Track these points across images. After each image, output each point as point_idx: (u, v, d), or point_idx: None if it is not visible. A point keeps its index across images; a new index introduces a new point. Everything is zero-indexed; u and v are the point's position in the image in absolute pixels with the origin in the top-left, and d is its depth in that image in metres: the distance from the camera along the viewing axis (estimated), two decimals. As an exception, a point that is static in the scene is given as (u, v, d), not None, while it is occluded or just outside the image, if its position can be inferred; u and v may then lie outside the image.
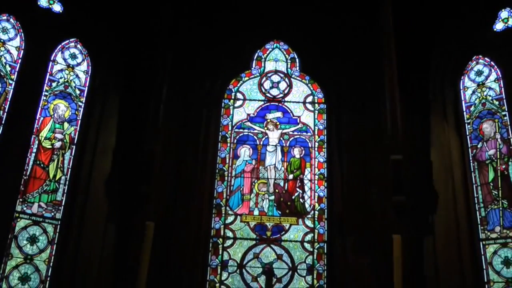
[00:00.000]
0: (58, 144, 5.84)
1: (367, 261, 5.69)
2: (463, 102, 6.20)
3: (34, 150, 5.72)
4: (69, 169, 5.83)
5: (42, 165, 5.71)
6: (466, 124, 6.03)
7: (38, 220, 5.53)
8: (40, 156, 5.73)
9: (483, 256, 5.46)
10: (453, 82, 6.28)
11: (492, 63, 6.22)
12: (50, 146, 5.80)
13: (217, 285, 5.89)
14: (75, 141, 5.93)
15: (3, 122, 5.53)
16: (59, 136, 5.86)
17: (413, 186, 5.74)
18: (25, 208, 5.50)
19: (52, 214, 5.61)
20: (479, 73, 6.26)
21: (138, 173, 5.64)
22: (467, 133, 5.98)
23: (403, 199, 5.52)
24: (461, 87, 6.27)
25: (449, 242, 5.53)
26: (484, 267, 5.42)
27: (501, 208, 5.51)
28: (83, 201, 5.66)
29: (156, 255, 5.39)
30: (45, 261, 5.42)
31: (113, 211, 5.71)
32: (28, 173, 5.60)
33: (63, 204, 5.68)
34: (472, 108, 6.10)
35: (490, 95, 6.08)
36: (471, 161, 5.82)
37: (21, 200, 5.49)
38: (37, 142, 5.75)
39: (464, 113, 6.12)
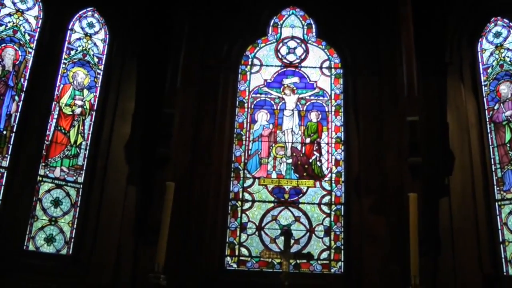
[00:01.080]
0: (78, 111, 5.97)
1: (384, 222, 5.79)
2: (480, 64, 6.22)
3: (55, 116, 5.85)
4: (90, 134, 5.95)
5: (63, 130, 5.85)
6: (483, 86, 6.05)
7: (60, 183, 5.70)
8: (61, 122, 5.87)
9: (498, 217, 5.52)
10: (470, 44, 6.28)
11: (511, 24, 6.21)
12: (70, 113, 5.94)
13: (236, 246, 6.06)
14: (95, 107, 6.06)
15: (24, 89, 5.63)
16: (79, 102, 5.99)
17: (429, 148, 5.83)
18: (48, 172, 5.66)
19: (74, 178, 5.78)
20: (498, 34, 6.26)
21: (157, 137, 5.77)
22: (484, 95, 6.01)
23: (419, 160, 5.59)
24: (479, 49, 6.27)
25: (465, 203, 5.60)
26: (499, 227, 5.48)
27: (517, 169, 5.54)
28: (104, 165, 5.81)
29: (177, 218, 5.52)
30: (68, 223, 5.61)
31: (133, 174, 5.86)
32: (49, 138, 5.73)
33: (84, 168, 5.83)
34: (489, 70, 6.11)
35: (508, 57, 6.09)
36: (487, 122, 5.86)
37: (43, 164, 5.63)
38: (57, 108, 5.88)
39: (481, 75, 6.14)
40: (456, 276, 5.43)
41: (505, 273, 5.33)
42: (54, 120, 5.83)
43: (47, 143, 5.71)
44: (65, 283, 5.23)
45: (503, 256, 5.38)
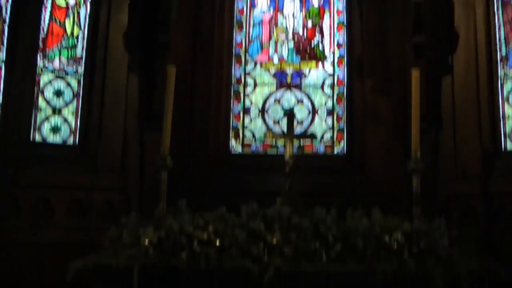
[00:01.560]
0: (72, 1, 5.81)
1: (386, 101, 5.86)
2: None
3: (49, 8, 5.70)
4: (86, 25, 5.84)
5: (58, 22, 5.73)
6: (490, -39, 5.86)
7: (61, 75, 5.67)
8: (56, 13, 5.74)
9: (500, 93, 5.53)
10: None
11: None
12: (64, 4, 5.78)
13: (240, 130, 6.17)
14: (89, -4, 5.89)
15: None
16: (71, -8, 5.84)
17: (433, 27, 5.77)
18: (47, 63, 5.61)
19: (74, 69, 5.74)
20: None
21: (156, 24, 5.69)
22: (491, -29, 5.84)
23: (423, 39, 5.55)
24: None
25: (468, 81, 5.59)
26: (501, 104, 5.52)
27: (522, 46, 5.50)
28: (103, 55, 5.75)
29: (181, 105, 5.56)
30: (72, 113, 5.65)
31: (133, 62, 5.83)
32: (45, 30, 5.63)
33: (83, 59, 5.78)
34: None
35: None
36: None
37: (41, 55, 5.57)
38: (50, 0, 5.71)
39: (488, -51, 5.92)
40: (457, 151, 5.54)
41: (503, 148, 5.44)
42: (48, 12, 5.69)
43: (43, 35, 5.59)
44: (75, 171, 5.34)
45: (502, 131, 5.46)
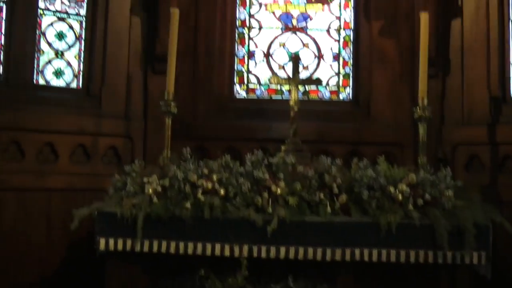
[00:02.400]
0: None
1: (393, 45, 5.71)
2: None
3: None
4: (88, -36, 5.66)
5: (58, -38, 5.55)
6: None
7: (63, 16, 5.53)
8: (55, -47, 5.54)
9: (510, 37, 5.38)
10: None
11: None
12: None
13: (245, 74, 6.04)
14: None
15: None
16: None
17: (443, -33, 5.58)
18: (48, 5, 5.46)
19: (76, 10, 5.59)
20: None
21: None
22: None
23: (432, -20, 5.39)
24: None
25: (478, 23, 5.42)
26: (511, 48, 5.37)
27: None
28: (107, -4, 5.58)
29: (185, 47, 5.53)
30: (75, 56, 5.54)
31: (136, 3, 5.68)
32: (45, -30, 5.46)
33: (85, 1, 5.61)
34: None
35: None
36: None
37: (43, -4, 5.43)
38: None
39: None
40: (464, 97, 5.44)
41: (512, 93, 5.33)
42: (47, -49, 5.50)
43: (43, -26, 5.43)
44: (79, 114, 5.28)
45: (511, 76, 5.34)
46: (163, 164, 4.33)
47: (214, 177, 4.04)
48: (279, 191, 4.01)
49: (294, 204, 3.99)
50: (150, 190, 3.98)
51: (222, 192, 4.01)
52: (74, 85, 5.52)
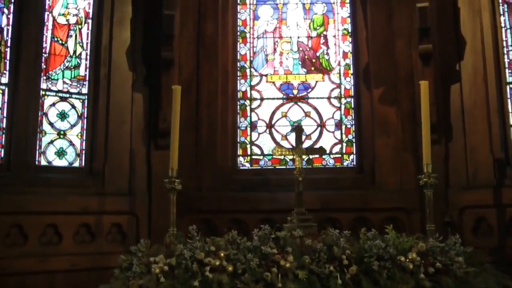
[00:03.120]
0: (73, 19, 5.77)
1: (395, 111, 5.80)
2: None
3: (50, 27, 5.64)
4: (88, 43, 5.79)
5: (60, 41, 5.68)
6: (496, -34, 5.77)
7: (64, 96, 5.62)
8: (57, 33, 5.68)
9: (509, 100, 5.47)
10: None
11: None
12: (65, 22, 5.73)
13: (248, 146, 6.09)
14: (90, 15, 5.84)
15: (12, 0, 5.40)
16: (73, 11, 5.78)
17: (440, 34, 5.70)
18: (50, 86, 5.56)
19: (78, 89, 5.68)
20: None
21: (159, 40, 5.63)
22: (497, -24, 5.75)
23: (430, 47, 5.48)
24: None
25: (476, 87, 5.53)
26: (510, 110, 5.45)
27: (529, 50, 5.44)
28: (107, 74, 5.68)
29: (187, 122, 5.61)
30: (78, 135, 5.60)
31: (138, 80, 5.79)
32: (47, 50, 5.57)
33: (87, 78, 5.72)
34: None
35: None
36: (500, 4, 5.64)
37: (44, 78, 5.52)
38: (51, 19, 5.66)
39: (494, -47, 5.83)
40: (468, 161, 5.49)
41: (514, 155, 5.36)
42: (49, 31, 5.62)
43: (45, 55, 5.54)
44: (83, 194, 5.28)
45: (513, 139, 5.38)
46: (169, 242, 4.29)
47: (222, 253, 3.99)
48: (288, 265, 3.95)
49: (303, 277, 3.92)
50: (157, 270, 3.91)
51: (230, 268, 3.93)
52: (76, 164, 5.55)
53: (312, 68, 6.21)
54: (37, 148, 5.35)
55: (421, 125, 4.69)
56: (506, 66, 5.53)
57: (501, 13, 5.62)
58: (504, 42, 5.57)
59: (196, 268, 3.92)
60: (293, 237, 4.21)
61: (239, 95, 6.16)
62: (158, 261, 3.98)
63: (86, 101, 5.68)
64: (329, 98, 6.14)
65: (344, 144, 6.05)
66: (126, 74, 5.75)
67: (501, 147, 5.37)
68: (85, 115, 5.65)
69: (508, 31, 5.58)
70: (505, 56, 5.56)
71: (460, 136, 5.58)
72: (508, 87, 5.50)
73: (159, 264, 3.96)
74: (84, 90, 5.70)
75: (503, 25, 5.60)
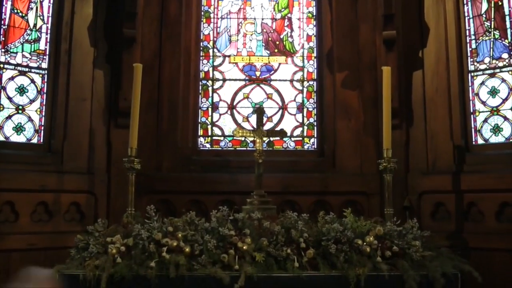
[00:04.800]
0: (34, -8, 5.60)
1: (357, 96, 5.80)
2: None
3: (10, -1, 5.48)
4: (49, 17, 5.63)
5: (20, 13, 5.50)
6: (459, -47, 5.79)
7: (24, 70, 5.45)
8: (17, 4, 5.49)
9: (470, 88, 5.51)
10: None
11: None
12: (26, -5, 5.57)
13: (209, 126, 6.05)
14: (52, -12, 5.67)
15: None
16: (34, -16, 5.61)
17: (404, 20, 5.73)
18: (9, 59, 5.40)
19: (38, 64, 5.52)
20: None
21: (122, 17, 5.51)
22: (461, -37, 5.77)
23: (394, 33, 5.49)
24: None
25: (438, 75, 5.57)
26: (471, 98, 5.49)
27: (492, 39, 5.46)
28: (68, 49, 5.54)
29: (148, 100, 5.58)
30: (37, 111, 5.45)
31: (99, 57, 5.66)
32: (6, 22, 5.40)
33: (47, 53, 5.56)
34: None
35: None
36: (464, -8, 5.67)
37: (3, 50, 5.36)
38: (11, -10, 5.49)
39: None
40: (428, 146, 5.54)
41: (474, 142, 5.43)
42: (9, 2, 5.43)
43: (4, 27, 5.37)
44: (41, 171, 5.15)
45: (473, 126, 5.44)
46: (127, 222, 4.25)
47: (179, 234, 3.99)
48: (245, 247, 3.97)
49: (261, 260, 3.95)
50: (114, 250, 3.89)
51: (187, 249, 3.95)
52: (35, 140, 5.41)
53: (276, 50, 6.17)
54: (-5, 123, 5.21)
55: (381, 110, 4.72)
56: (469, 54, 5.57)
57: (465, 2, 5.64)
58: (467, 31, 5.60)
59: (153, 248, 3.92)
60: (251, 219, 4.23)
61: (202, 75, 6.09)
62: (115, 241, 3.98)
63: (46, 76, 5.53)
64: (291, 80, 6.12)
65: (305, 127, 6.05)
66: (88, 50, 5.61)
67: (461, 134, 5.42)
68: (45, 91, 5.50)
69: (471, 20, 5.60)
70: (468, 45, 5.59)
71: (421, 122, 5.61)
72: (469, 75, 5.54)
73: (116, 245, 3.96)
74: (44, 65, 5.54)
75: (466, 14, 5.63)
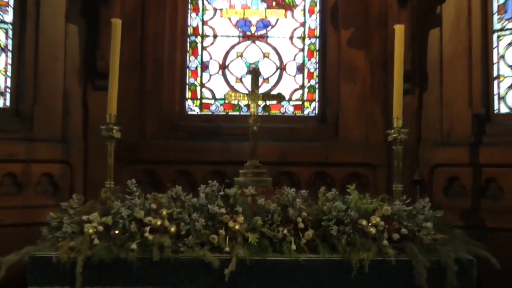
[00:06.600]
0: None
1: (364, 56, 5.77)
2: None
3: None
4: (14, -38, 5.52)
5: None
6: None
7: (-15, 24, 5.39)
8: None
9: (495, 49, 5.42)
10: None
11: None
12: None
13: (198, 88, 6.03)
14: None
15: None
16: None
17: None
18: (-31, 11, 5.33)
19: (0, 17, 5.42)
20: None
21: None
22: None
23: (407, -16, 5.45)
24: None
25: (458, 34, 5.46)
26: (495, 61, 5.42)
27: (524, -6, 5.38)
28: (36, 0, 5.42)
29: (130, 60, 5.55)
30: (1, 71, 5.36)
31: (73, 10, 5.57)
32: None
33: (11, 4, 5.43)
34: None
35: None
36: None
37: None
38: None
39: None
40: (443, 115, 5.50)
41: (496, 111, 5.39)
42: None
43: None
44: (8, 139, 5.09)
45: (496, 92, 5.39)
46: (105, 198, 4.23)
47: (164, 212, 3.97)
48: (237, 227, 3.95)
49: (254, 241, 3.92)
50: (91, 230, 3.88)
51: (172, 229, 3.92)
52: (0, 104, 5.34)
53: (274, 3, 6.09)
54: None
55: (392, 72, 4.62)
56: (495, 11, 5.45)
57: (491, -50, 5.50)
58: (494, -17, 5.49)
59: (135, 228, 3.90)
60: (245, 195, 4.21)
61: (190, 31, 6.03)
62: (92, 219, 3.96)
63: (10, 31, 5.42)
64: (291, 38, 6.08)
65: (306, 90, 6.04)
66: (59, 2, 5.50)
67: (482, 101, 5.37)
68: (10, 48, 5.41)
69: (499, -30, 5.49)
70: (494, 1, 5.46)
71: (436, 87, 5.56)
72: (495, 35, 5.45)
73: (93, 224, 3.93)
74: (8, 18, 5.42)
75: (492, -37, 5.50)
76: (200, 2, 6.08)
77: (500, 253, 4.08)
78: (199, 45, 6.05)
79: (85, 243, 3.84)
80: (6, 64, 5.40)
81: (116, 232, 3.91)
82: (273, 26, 6.09)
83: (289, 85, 6.04)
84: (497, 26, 5.45)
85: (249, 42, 6.07)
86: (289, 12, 6.09)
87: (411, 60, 5.44)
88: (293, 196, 4.16)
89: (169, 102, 5.81)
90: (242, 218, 4.00)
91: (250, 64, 6.00)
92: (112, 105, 4.50)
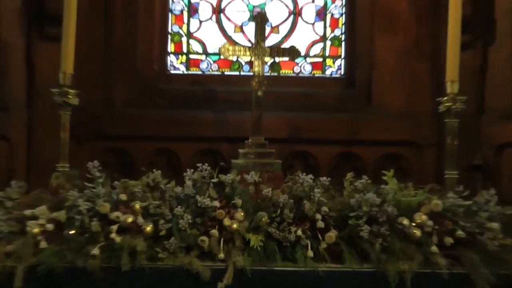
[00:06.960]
0: None
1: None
2: None
3: None
4: None
5: None
6: None
7: None
8: None
9: None
10: None
11: None
12: None
13: (184, 39, 6.03)
14: None
15: None
16: None
17: None
18: None
19: None
20: None
21: None
22: None
23: None
24: None
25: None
26: None
27: None
28: None
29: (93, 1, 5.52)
30: None
31: None
32: None
33: None
34: None
35: None
36: None
37: None
38: None
39: None
40: (513, 79, 5.46)
41: None
42: None
43: None
44: None
45: None
46: (57, 186, 4.17)
47: (137, 205, 3.89)
48: (235, 226, 3.88)
49: (258, 245, 3.85)
50: (36, 230, 3.79)
51: (148, 229, 3.84)
52: None
53: None
54: None
55: (446, 20, 4.52)
56: None
57: None
58: None
59: (97, 227, 3.79)
60: (245, 183, 4.14)
61: (174, -37, 5.99)
62: (38, 215, 3.87)
63: None
64: (308, -27, 6.02)
65: (328, 43, 6.04)
66: None
67: None
68: None
69: None
70: None
71: (506, 39, 5.44)
72: None
73: (39, 221, 3.84)
74: None
75: None
76: None
77: None
78: (186, -17, 6.03)
79: (27, 247, 3.75)
80: None
81: (72, 232, 3.82)
82: (283, -43, 6.06)
83: (305, 36, 6.04)
84: None
85: (252, -22, 6.04)
86: None
87: (472, 3, 5.33)
88: (310, 185, 4.08)
89: (144, 58, 5.80)
90: (242, 214, 3.92)
91: (253, 7, 6.01)
92: (67, 61, 4.42)
